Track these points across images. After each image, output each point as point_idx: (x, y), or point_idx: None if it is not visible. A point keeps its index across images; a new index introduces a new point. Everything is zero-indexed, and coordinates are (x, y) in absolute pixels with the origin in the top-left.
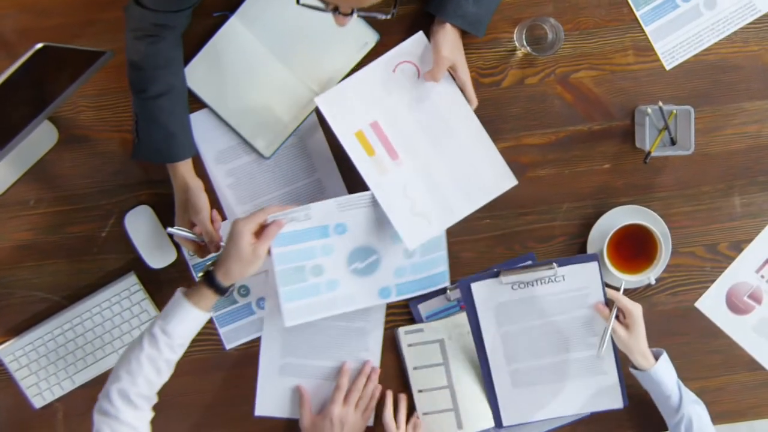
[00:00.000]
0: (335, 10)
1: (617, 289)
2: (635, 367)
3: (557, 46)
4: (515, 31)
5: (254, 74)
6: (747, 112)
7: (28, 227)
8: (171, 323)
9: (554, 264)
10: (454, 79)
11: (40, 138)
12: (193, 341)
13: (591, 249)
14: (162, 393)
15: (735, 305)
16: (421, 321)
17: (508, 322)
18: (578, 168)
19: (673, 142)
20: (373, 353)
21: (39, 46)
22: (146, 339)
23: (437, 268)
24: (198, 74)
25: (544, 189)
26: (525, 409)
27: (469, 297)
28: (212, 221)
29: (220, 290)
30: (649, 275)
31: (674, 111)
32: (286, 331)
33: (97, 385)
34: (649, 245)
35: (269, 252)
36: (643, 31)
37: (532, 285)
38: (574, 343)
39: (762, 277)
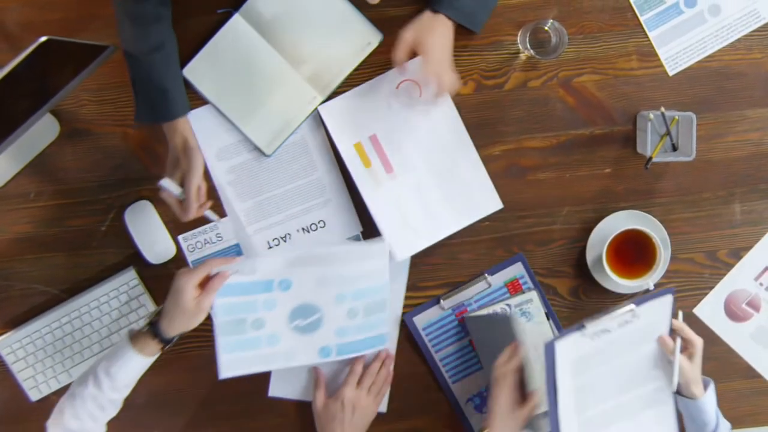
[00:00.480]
0: None
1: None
2: (681, 394)
3: (561, 49)
4: (519, 34)
5: (257, 71)
6: (749, 120)
7: (28, 220)
8: (114, 366)
9: (633, 306)
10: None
11: (41, 131)
12: (191, 338)
13: (590, 253)
14: (158, 389)
15: (733, 312)
16: (418, 334)
17: (583, 374)
18: (579, 172)
19: (674, 148)
20: (389, 340)
21: (43, 39)
22: (90, 378)
23: (379, 330)
24: (200, 71)
25: (544, 192)
26: None
27: (551, 359)
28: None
29: (164, 341)
30: (648, 281)
31: (676, 117)
32: None
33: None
34: (649, 251)
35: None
36: (647, 37)
37: (610, 331)
38: (639, 379)
39: (761, 284)
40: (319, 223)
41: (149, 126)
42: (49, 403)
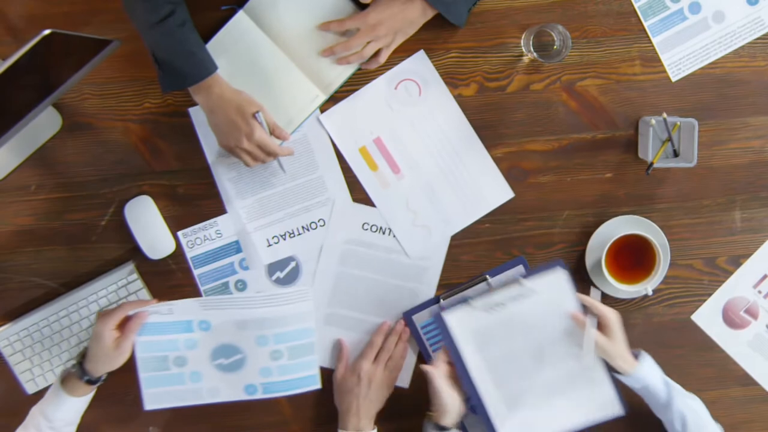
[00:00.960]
0: None
1: (587, 292)
2: (618, 372)
3: (564, 53)
4: (522, 37)
5: (260, 68)
6: (751, 127)
7: (29, 213)
8: (49, 408)
9: (521, 279)
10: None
11: (43, 124)
12: None
13: (590, 257)
14: None
15: (731, 319)
16: (416, 332)
17: (490, 347)
18: (580, 176)
19: (675, 154)
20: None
21: (46, 32)
22: (30, 420)
23: (307, 371)
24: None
25: (545, 195)
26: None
27: (444, 329)
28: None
29: (92, 381)
30: (647, 286)
31: (678, 123)
32: (337, 281)
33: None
34: (648, 256)
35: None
36: (651, 42)
37: (505, 305)
38: (559, 356)
39: (759, 292)
40: (319, 221)
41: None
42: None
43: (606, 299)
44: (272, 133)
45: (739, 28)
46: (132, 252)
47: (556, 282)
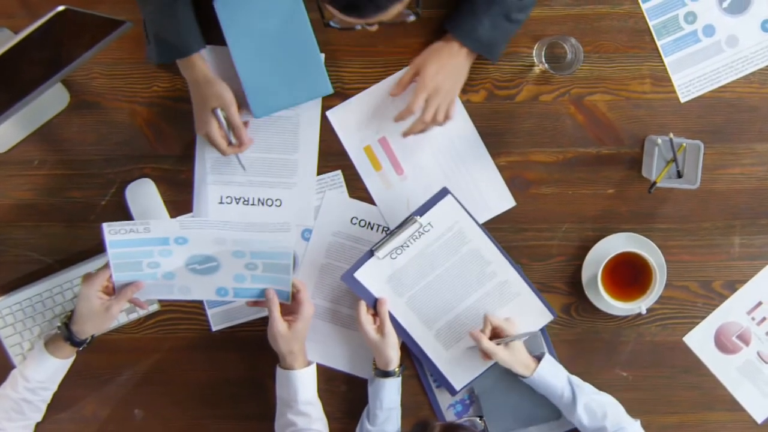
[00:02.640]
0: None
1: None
2: (521, 377)
3: (575, 66)
4: (535, 48)
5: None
6: (756, 153)
7: (29, 187)
8: (28, 368)
9: (416, 217)
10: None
11: (51, 100)
12: (181, 319)
13: (586, 272)
14: (144, 367)
15: (723, 344)
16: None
17: (406, 289)
18: (582, 190)
19: (679, 175)
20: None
21: (60, 8)
22: (8, 380)
23: (280, 286)
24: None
25: (545, 207)
26: (468, 365)
27: (359, 287)
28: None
29: (76, 343)
30: (641, 305)
31: (684, 144)
32: (322, 273)
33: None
34: (644, 275)
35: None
36: (662, 62)
37: (408, 246)
38: (475, 280)
39: (753, 319)
40: (276, 200)
41: (164, 68)
42: None
43: (599, 315)
44: (233, 132)
45: (752, 53)
46: None
47: (448, 208)
